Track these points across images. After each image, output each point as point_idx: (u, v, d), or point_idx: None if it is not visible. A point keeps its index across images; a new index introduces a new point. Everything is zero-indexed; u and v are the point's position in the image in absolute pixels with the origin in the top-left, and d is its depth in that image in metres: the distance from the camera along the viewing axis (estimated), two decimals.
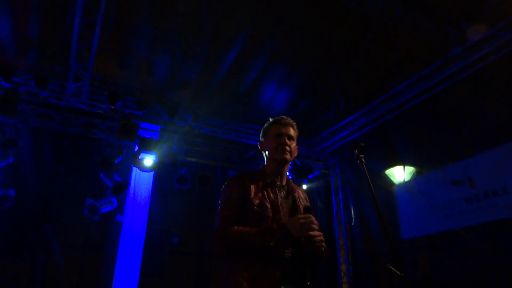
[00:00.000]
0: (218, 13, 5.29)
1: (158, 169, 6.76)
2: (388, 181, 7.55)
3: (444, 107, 6.51)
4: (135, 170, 6.77)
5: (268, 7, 5.22)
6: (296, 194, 2.20)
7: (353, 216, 8.44)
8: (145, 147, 6.59)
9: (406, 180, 7.31)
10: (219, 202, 2.10)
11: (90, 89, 6.28)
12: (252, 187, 2.06)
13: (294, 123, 2.28)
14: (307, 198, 2.28)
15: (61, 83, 6.21)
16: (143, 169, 6.63)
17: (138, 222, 6.43)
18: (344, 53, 6.00)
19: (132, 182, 6.70)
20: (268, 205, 2.03)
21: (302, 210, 2.08)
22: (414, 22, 5.36)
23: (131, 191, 6.62)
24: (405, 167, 7.36)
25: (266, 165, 2.25)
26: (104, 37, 5.38)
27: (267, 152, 2.25)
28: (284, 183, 2.21)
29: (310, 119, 7.90)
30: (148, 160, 6.62)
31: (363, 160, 2.11)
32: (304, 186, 8.12)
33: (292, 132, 2.24)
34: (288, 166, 2.25)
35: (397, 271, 1.67)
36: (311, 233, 1.88)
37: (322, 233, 1.94)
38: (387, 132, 7.44)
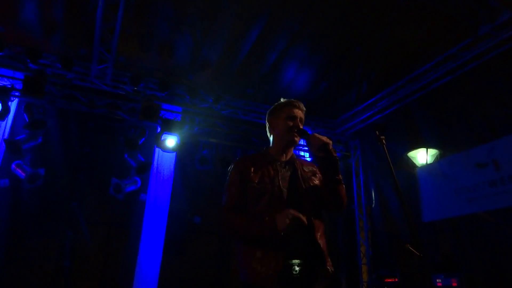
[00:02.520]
0: None
1: (180, 150, 6.87)
2: (410, 164, 7.44)
3: (471, 88, 6.31)
4: (157, 150, 6.91)
5: None
6: (297, 163, 2.26)
7: (373, 198, 8.41)
8: (167, 128, 6.70)
9: (429, 162, 7.18)
10: (225, 183, 2.24)
11: (114, 70, 6.39)
12: (253, 168, 2.17)
13: (304, 109, 2.33)
14: (314, 165, 2.33)
15: (86, 65, 6.34)
16: (166, 150, 6.76)
17: (161, 201, 6.60)
18: (368, 32, 5.86)
19: (155, 163, 6.85)
20: (268, 181, 2.12)
21: (301, 178, 2.17)
22: None
23: (154, 171, 6.78)
24: (428, 149, 7.22)
25: (272, 146, 2.33)
26: (126, 19, 5.43)
27: (274, 131, 2.32)
28: (287, 158, 2.28)
29: (331, 101, 7.82)
30: (171, 141, 6.74)
31: (384, 141, 2.10)
32: None
33: (303, 116, 2.29)
34: (293, 147, 2.33)
35: (416, 252, 1.68)
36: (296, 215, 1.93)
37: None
38: (410, 113, 7.29)
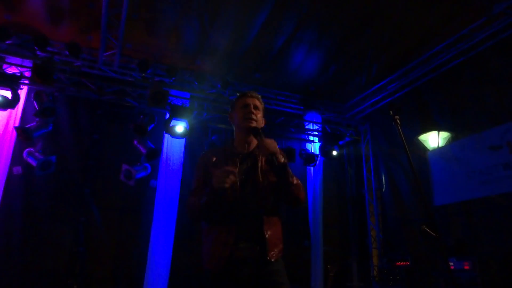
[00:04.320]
0: None
1: (189, 135, 6.87)
2: (421, 147, 7.36)
3: (484, 69, 6.17)
4: (167, 137, 6.91)
5: None
6: (258, 156, 2.29)
7: (383, 183, 8.36)
8: (176, 114, 6.68)
9: (440, 146, 7.10)
10: None
11: (121, 57, 6.36)
12: (215, 161, 2.27)
13: (259, 97, 2.41)
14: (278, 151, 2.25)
15: (93, 52, 6.33)
16: (175, 136, 6.76)
17: (171, 187, 6.63)
18: (377, 13, 5.73)
19: (164, 149, 6.86)
20: None
21: (260, 172, 2.23)
22: None
23: (164, 157, 6.80)
24: (440, 132, 7.13)
25: (235, 138, 2.42)
26: (133, 4, 5.38)
27: (234, 124, 2.42)
28: (249, 150, 2.33)
29: (340, 84, 7.72)
30: (180, 127, 6.73)
31: (398, 121, 2.06)
32: (334, 153, 8.06)
33: (258, 103, 2.37)
34: (253, 136, 2.34)
35: (432, 233, 1.66)
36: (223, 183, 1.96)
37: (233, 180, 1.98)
38: (421, 96, 7.18)
